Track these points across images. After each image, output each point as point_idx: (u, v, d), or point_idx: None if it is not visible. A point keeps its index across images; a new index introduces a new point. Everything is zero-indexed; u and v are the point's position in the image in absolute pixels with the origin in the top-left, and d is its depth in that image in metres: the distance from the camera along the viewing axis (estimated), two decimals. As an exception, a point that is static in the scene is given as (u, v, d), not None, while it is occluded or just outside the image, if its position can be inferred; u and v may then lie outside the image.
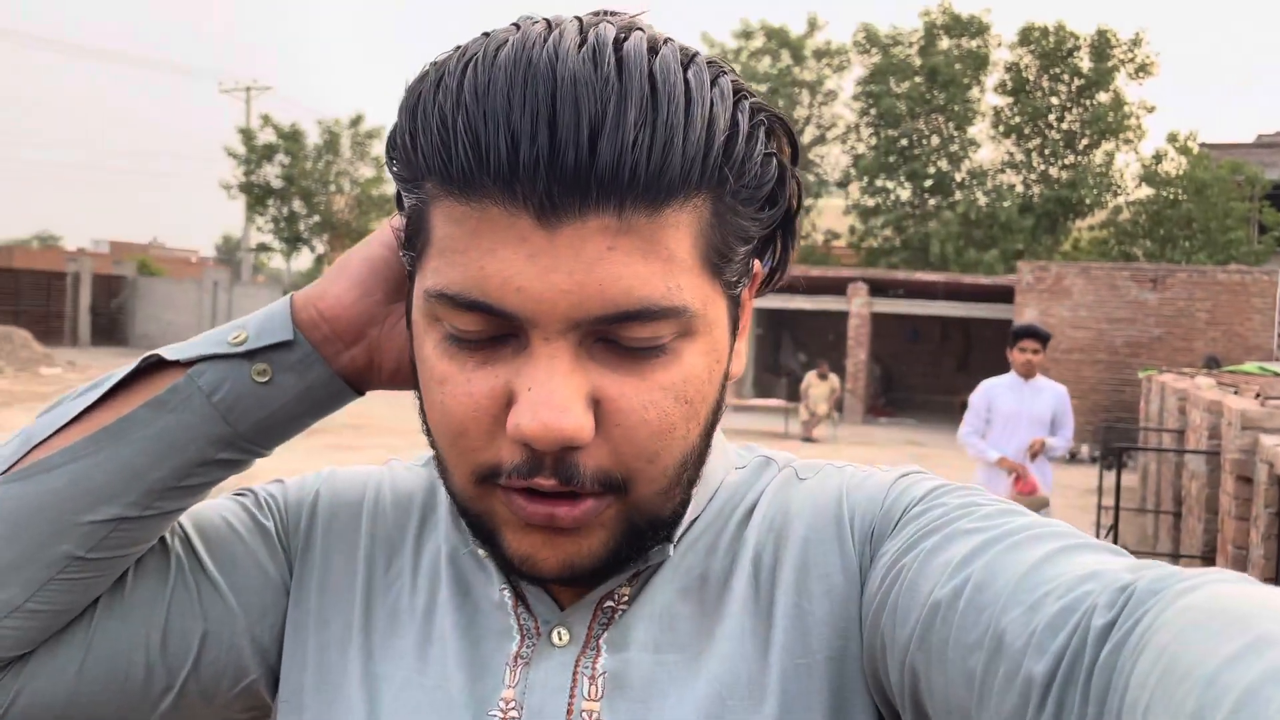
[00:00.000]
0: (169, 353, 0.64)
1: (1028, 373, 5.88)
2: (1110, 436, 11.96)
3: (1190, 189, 23.25)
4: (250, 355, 0.64)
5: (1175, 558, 6.39)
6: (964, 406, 6.11)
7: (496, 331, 0.55)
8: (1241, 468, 5.60)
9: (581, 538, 0.58)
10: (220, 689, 0.68)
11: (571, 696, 0.61)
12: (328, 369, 0.66)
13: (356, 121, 28.44)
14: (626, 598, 0.64)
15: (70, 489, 0.61)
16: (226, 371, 0.64)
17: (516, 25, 0.57)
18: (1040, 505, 5.44)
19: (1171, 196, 23.60)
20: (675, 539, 0.63)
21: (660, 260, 0.54)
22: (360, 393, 0.69)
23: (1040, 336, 5.91)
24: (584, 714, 0.61)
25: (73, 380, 18.84)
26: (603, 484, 0.56)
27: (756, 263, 0.63)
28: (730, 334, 0.61)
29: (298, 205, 28.52)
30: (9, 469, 0.62)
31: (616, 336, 0.55)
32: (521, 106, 0.51)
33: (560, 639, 0.63)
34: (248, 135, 28.51)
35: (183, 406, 0.63)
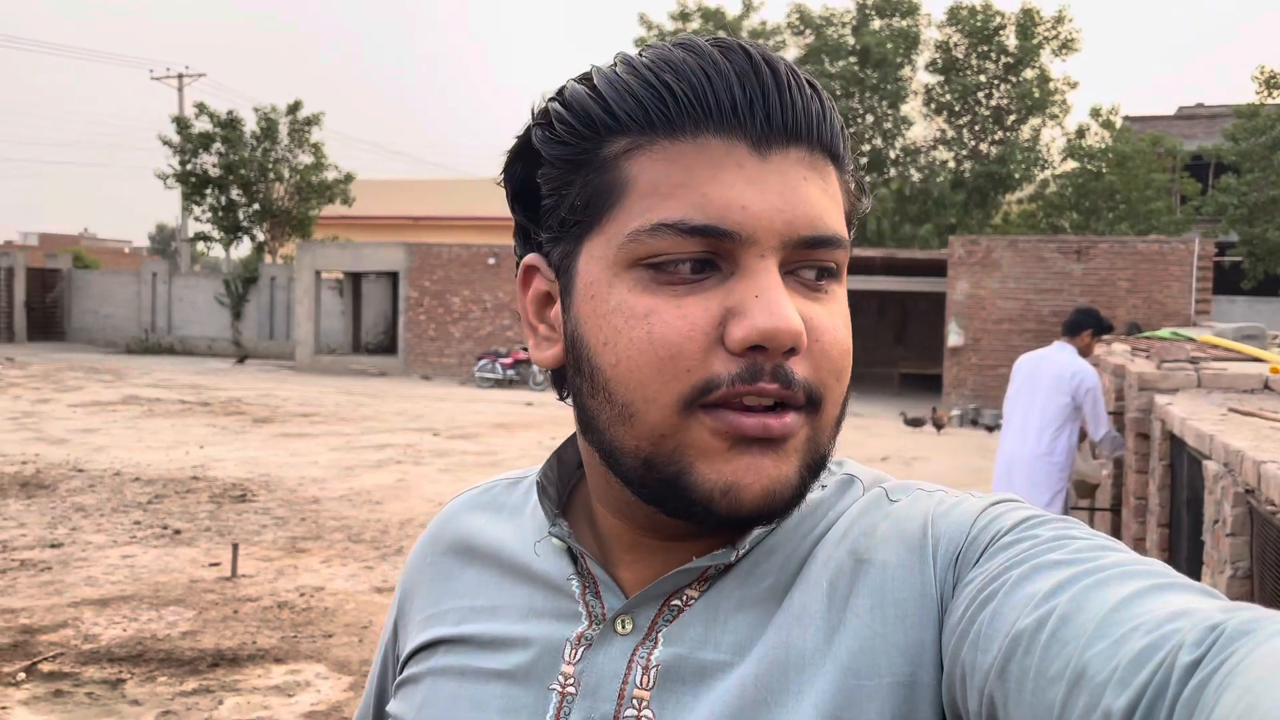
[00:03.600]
0: None
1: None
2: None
3: (1113, 161, 23.98)
4: None
5: (1091, 510, 6.90)
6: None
7: (705, 261, 0.60)
8: (1140, 425, 6.08)
9: (782, 460, 0.60)
10: None
11: (624, 683, 0.64)
12: None
13: (295, 108, 28.14)
14: (695, 600, 0.66)
15: None
16: None
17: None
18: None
19: (1095, 169, 24.34)
20: (743, 543, 0.65)
21: (832, 199, 0.63)
22: None
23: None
24: (635, 700, 0.63)
25: (12, 376, 18.56)
26: (807, 395, 0.60)
27: None
28: None
29: (236, 194, 28.18)
30: None
31: (806, 262, 0.62)
32: (726, 62, 0.60)
33: (623, 628, 0.66)
34: (182, 123, 27.95)
35: None
